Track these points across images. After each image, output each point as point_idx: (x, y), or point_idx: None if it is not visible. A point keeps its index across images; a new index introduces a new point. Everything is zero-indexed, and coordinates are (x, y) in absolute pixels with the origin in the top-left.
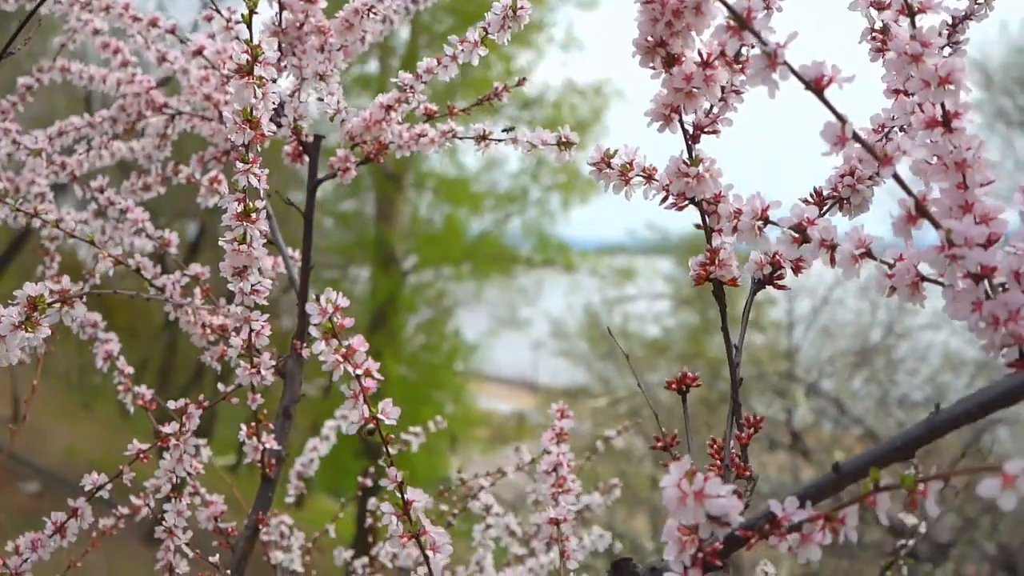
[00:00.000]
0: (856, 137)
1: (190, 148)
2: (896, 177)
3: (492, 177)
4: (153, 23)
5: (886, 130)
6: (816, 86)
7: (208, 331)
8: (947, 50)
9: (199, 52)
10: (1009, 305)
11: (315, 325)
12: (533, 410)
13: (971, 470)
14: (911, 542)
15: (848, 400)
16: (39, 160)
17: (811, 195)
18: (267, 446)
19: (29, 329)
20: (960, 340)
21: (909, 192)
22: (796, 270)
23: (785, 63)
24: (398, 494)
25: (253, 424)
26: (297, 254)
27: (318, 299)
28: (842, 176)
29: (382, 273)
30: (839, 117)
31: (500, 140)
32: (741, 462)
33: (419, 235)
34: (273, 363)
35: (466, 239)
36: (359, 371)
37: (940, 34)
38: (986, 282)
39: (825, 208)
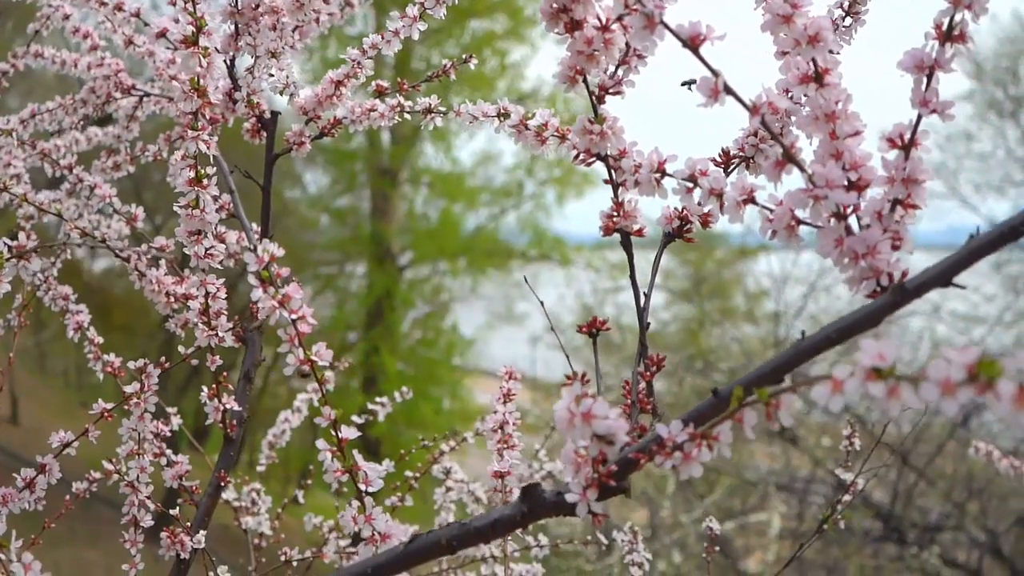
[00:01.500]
0: (727, 89)
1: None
2: (766, 126)
3: (487, 172)
4: (119, 7)
5: (790, 93)
6: (692, 44)
7: (172, 300)
8: (848, 20)
9: (162, 34)
10: (867, 241)
11: (252, 273)
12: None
13: (806, 382)
14: (847, 497)
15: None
16: (11, 140)
17: (719, 154)
18: (228, 407)
19: None
20: (950, 330)
21: (779, 141)
22: (704, 224)
23: (662, 23)
24: (332, 432)
25: (214, 386)
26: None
27: (255, 249)
28: (747, 136)
29: (378, 269)
30: (713, 72)
31: (443, 112)
32: (646, 398)
33: (415, 231)
34: (231, 326)
35: (462, 234)
36: (295, 316)
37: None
38: (853, 221)
39: (732, 167)
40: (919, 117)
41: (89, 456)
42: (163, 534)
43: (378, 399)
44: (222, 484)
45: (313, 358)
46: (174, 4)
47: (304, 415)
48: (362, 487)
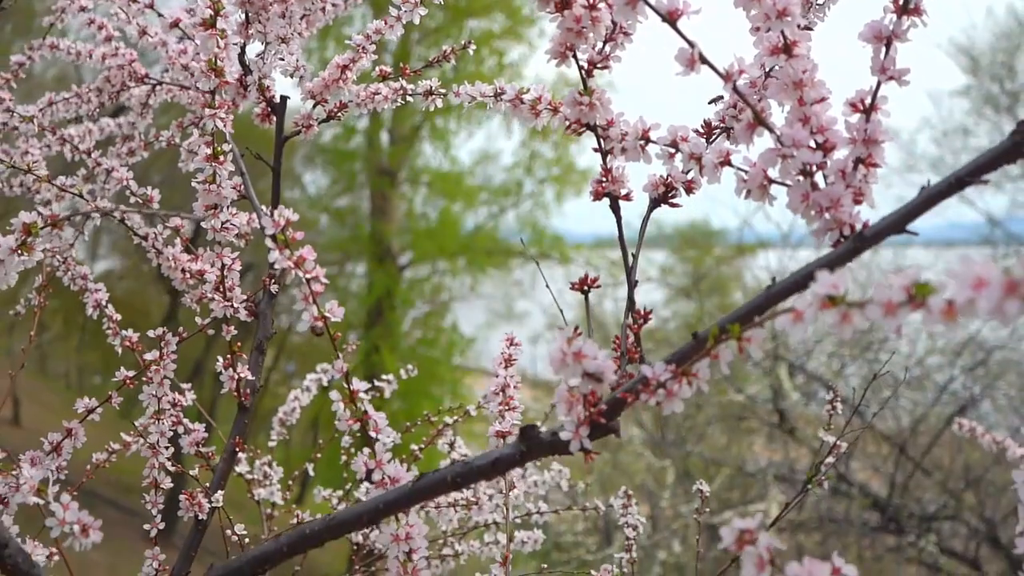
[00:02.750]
0: (703, 59)
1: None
2: (738, 92)
3: (486, 171)
4: None
5: (767, 67)
6: (671, 18)
7: (187, 276)
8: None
9: (175, 24)
10: (831, 196)
11: (269, 236)
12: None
13: (771, 315)
14: (830, 459)
15: (835, 380)
16: (31, 126)
17: (701, 125)
18: (242, 376)
19: (25, 252)
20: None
21: (749, 105)
22: (688, 190)
23: (643, 0)
24: (345, 384)
25: (229, 356)
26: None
27: (272, 213)
28: (727, 108)
29: (378, 268)
30: (689, 43)
31: (443, 94)
32: (635, 348)
33: (414, 230)
34: (244, 296)
35: (461, 233)
36: (309, 276)
37: None
38: (820, 179)
39: (713, 136)
40: (878, 83)
41: (89, 454)
42: (182, 496)
43: (384, 376)
44: (237, 450)
45: (327, 314)
46: None
47: (313, 394)
48: (372, 434)
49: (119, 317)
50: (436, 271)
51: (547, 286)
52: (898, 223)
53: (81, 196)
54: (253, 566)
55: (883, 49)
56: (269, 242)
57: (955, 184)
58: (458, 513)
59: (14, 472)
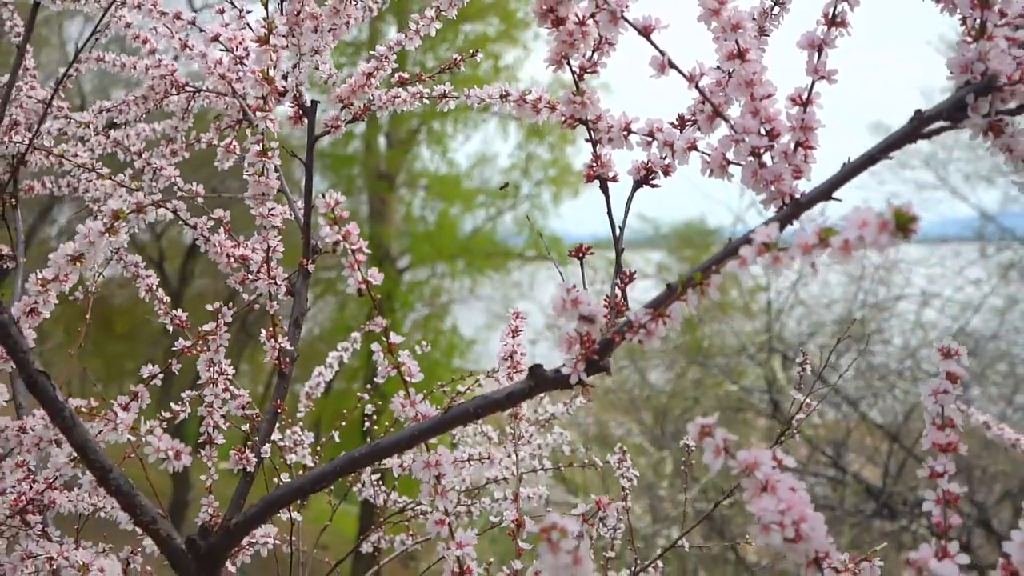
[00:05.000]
0: (671, 64)
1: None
2: (699, 90)
3: (483, 174)
4: (177, 16)
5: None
6: (645, 32)
7: (231, 260)
8: (776, 9)
9: (215, 38)
10: (775, 172)
11: (323, 214)
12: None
13: (723, 262)
14: (800, 417)
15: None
16: (88, 131)
17: (676, 119)
18: (283, 346)
19: (112, 234)
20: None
21: (709, 101)
22: (666, 173)
23: (623, 17)
24: (384, 337)
25: (272, 328)
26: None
27: (324, 195)
28: (696, 104)
29: (380, 270)
30: (660, 52)
31: (456, 97)
32: (622, 303)
33: (413, 233)
34: (286, 275)
35: (459, 236)
36: (354, 247)
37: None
38: (767, 157)
39: (686, 127)
40: (812, 82)
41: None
42: (232, 452)
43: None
44: (278, 410)
45: (368, 278)
46: (222, 12)
47: (335, 370)
48: (407, 379)
49: (168, 299)
50: (435, 274)
51: (560, 273)
52: (826, 192)
53: (139, 190)
54: (312, 483)
55: (816, 54)
56: (321, 220)
57: (868, 160)
58: (472, 467)
59: (108, 415)
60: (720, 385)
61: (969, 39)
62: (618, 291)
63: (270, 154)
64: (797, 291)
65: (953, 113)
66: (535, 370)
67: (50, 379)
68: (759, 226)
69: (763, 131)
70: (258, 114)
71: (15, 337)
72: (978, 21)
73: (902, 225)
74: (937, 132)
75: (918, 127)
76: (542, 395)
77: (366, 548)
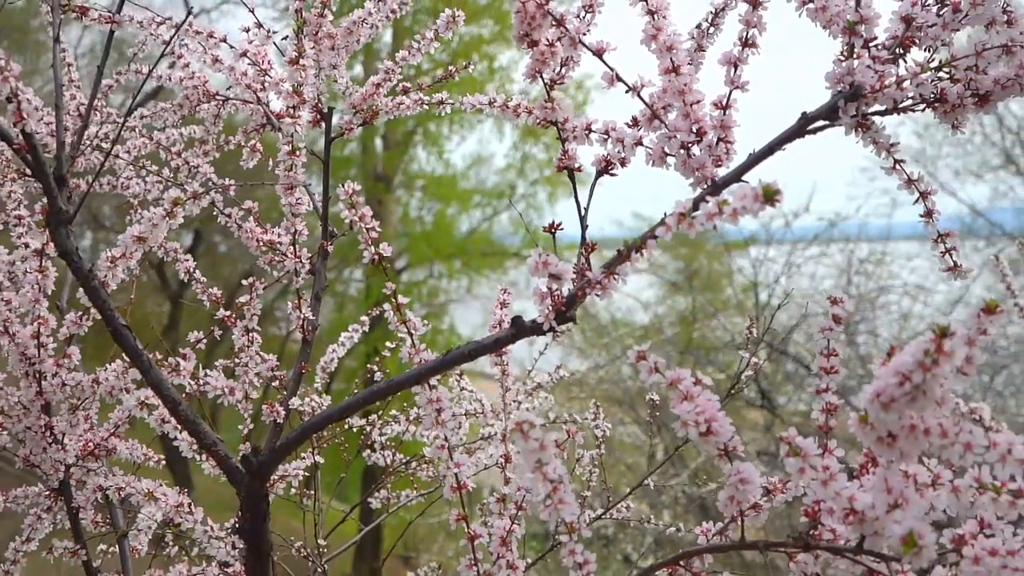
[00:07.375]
0: (618, 78)
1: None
2: (641, 98)
3: (479, 174)
4: (210, 35)
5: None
6: (598, 53)
7: (260, 244)
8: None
9: (244, 54)
10: (700, 162)
11: (341, 200)
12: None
13: (654, 230)
14: (749, 374)
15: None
16: (134, 133)
17: (631, 119)
18: (306, 316)
19: (171, 217)
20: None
21: (648, 106)
22: (622, 164)
23: (581, 41)
24: (393, 299)
25: (296, 300)
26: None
27: (342, 184)
28: (643, 109)
29: (375, 273)
30: (610, 68)
31: (451, 103)
32: (586, 267)
33: (410, 234)
34: (310, 255)
35: (456, 236)
36: (368, 225)
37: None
38: (695, 149)
39: (637, 127)
40: (730, 91)
41: None
42: (264, 406)
43: (387, 344)
44: (302, 372)
45: (381, 252)
46: (247, 31)
47: (347, 348)
48: (412, 332)
49: (204, 280)
50: (432, 274)
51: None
52: (736, 175)
53: (181, 186)
54: (341, 412)
55: (732, 68)
56: (342, 204)
57: (768, 151)
58: (468, 420)
59: (171, 362)
60: (711, 375)
61: (842, 58)
62: (583, 259)
63: (298, 153)
64: (783, 283)
65: (829, 114)
66: (516, 320)
67: (131, 330)
68: (679, 200)
69: (693, 129)
70: (287, 120)
71: (104, 298)
72: (846, 44)
73: (768, 197)
74: (820, 129)
75: (804, 125)
76: (532, 369)
77: (375, 504)
